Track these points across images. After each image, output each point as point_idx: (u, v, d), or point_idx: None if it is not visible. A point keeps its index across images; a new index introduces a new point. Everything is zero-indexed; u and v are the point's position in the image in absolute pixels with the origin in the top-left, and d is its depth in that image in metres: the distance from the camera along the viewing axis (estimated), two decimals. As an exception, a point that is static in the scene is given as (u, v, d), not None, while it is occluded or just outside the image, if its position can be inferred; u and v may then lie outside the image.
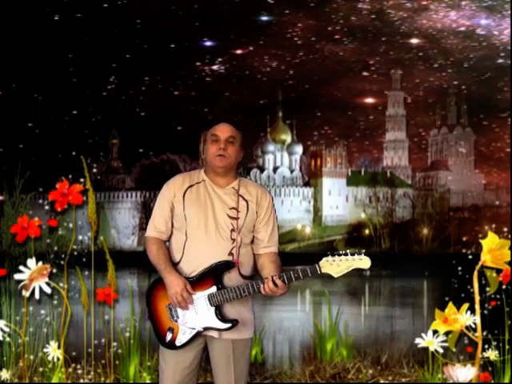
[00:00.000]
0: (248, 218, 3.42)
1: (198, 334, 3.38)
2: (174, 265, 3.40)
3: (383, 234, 42.15)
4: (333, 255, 3.30)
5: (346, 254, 3.29)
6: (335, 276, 3.30)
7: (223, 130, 3.43)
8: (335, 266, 3.29)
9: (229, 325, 3.34)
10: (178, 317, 3.37)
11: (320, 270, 3.29)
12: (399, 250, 40.45)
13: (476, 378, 5.52)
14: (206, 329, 3.36)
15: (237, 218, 3.40)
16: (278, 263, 3.45)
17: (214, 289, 3.34)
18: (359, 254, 3.29)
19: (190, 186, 3.45)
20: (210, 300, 3.34)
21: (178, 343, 3.38)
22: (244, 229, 3.41)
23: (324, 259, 3.30)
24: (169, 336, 3.39)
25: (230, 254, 3.38)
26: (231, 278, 3.37)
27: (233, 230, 3.39)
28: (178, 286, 3.31)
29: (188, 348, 3.40)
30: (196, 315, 3.36)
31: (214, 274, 3.34)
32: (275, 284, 3.28)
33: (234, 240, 3.39)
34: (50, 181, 5.76)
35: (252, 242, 3.48)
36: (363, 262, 3.29)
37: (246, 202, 3.44)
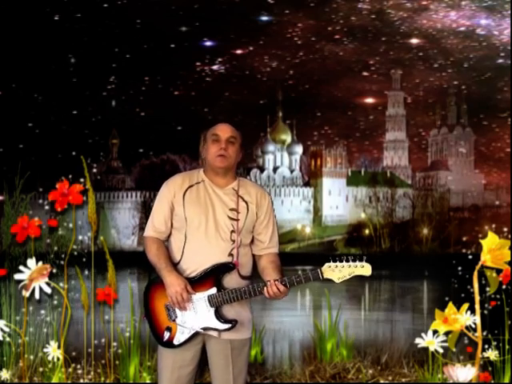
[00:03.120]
0: (248, 219, 3.41)
1: (196, 334, 3.38)
2: (174, 265, 3.39)
3: (383, 234, 42.16)
4: (335, 260, 3.30)
5: (347, 261, 3.29)
6: (337, 281, 3.31)
7: (224, 130, 3.42)
8: (337, 271, 3.30)
9: (228, 325, 3.34)
10: (176, 316, 3.37)
11: (322, 276, 3.29)
12: (399, 250, 40.44)
13: (476, 378, 5.51)
14: (205, 329, 3.36)
15: (237, 220, 3.39)
16: (278, 263, 3.45)
17: (214, 290, 3.33)
18: (361, 260, 3.29)
19: (190, 187, 3.43)
20: (210, 301, 3.33)
21: (176, 342, 3.38)
22: (244, 230, 3.41)
23: (326, 265, 3.29)
24: (166, 335, 3.39)
25: (230, 254, 3.37)
26: (231, 279, 3.37)
27: (233, 231, 3.38)
28: (178, 286, 3.29)
29: (186, 347, 3.40)
30: (195, 315, 3.35)
31: (214, 275, 3.33)
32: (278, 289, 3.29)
33: (233, 241, 3.38)
34: (50, 181, 5.75)
35: (251, 242, 3.48)
36: (365, 269, 3.29)
37: (246, 203, 3.43)
